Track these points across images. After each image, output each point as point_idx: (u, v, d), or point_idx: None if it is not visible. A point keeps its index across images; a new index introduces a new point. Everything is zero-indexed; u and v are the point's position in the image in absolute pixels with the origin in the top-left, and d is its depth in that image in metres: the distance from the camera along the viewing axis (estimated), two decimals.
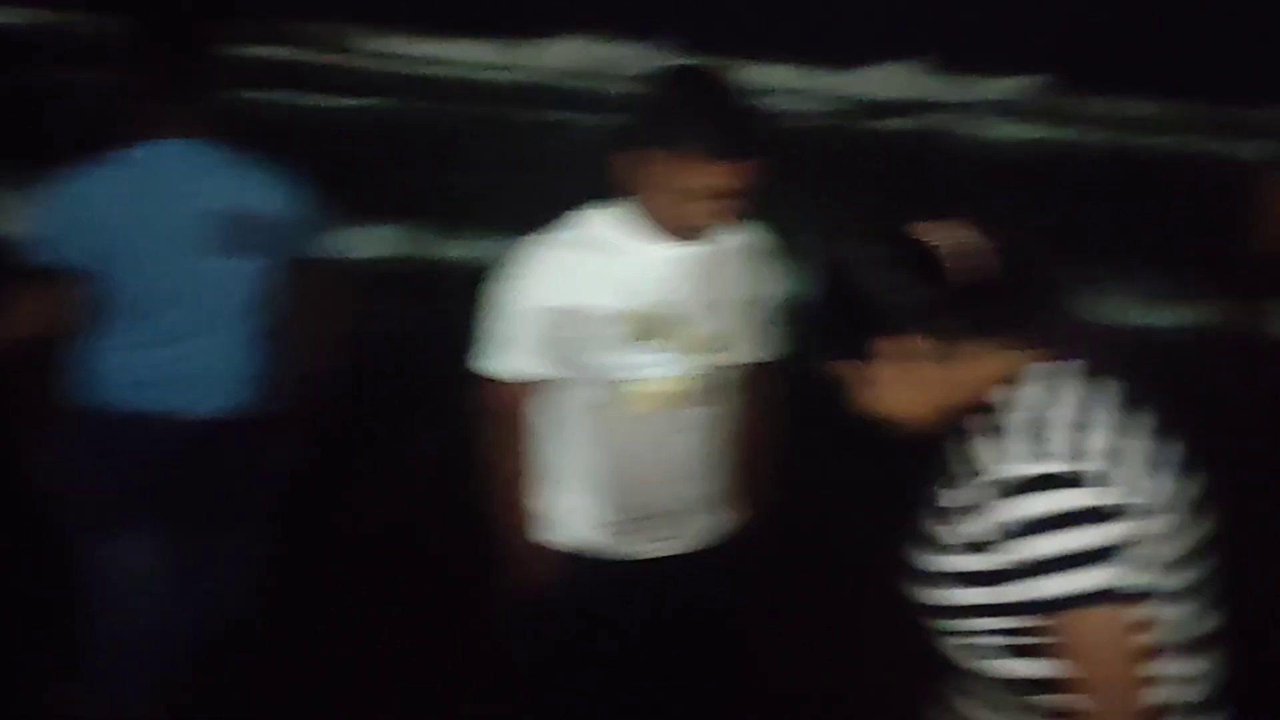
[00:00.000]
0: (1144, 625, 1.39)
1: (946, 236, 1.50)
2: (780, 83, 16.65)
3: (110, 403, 2.42)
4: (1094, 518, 1.37)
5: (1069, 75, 17.70)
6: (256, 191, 2.46)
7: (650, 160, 2.02)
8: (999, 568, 1.43)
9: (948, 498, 1.56)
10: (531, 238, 2.19)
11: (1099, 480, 1.39)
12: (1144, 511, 1.40)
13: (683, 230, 2.09)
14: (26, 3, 14.75)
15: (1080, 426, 1.43)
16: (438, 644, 3.46)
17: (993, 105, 17.66)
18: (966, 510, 1.49)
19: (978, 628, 1.51)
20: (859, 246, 1.56)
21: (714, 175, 1.98)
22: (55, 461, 2.46)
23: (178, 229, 2.37)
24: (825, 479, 4.34)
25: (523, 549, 2.29)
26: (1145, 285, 8.04)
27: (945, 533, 1.54)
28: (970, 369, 1.51)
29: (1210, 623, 1.52)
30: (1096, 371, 1.51)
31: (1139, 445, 1.45)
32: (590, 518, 2.27)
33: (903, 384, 1.53)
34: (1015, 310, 1.50)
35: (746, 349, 2.31)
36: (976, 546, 1.47)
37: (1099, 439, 1.42)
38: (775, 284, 2.34)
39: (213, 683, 2.68)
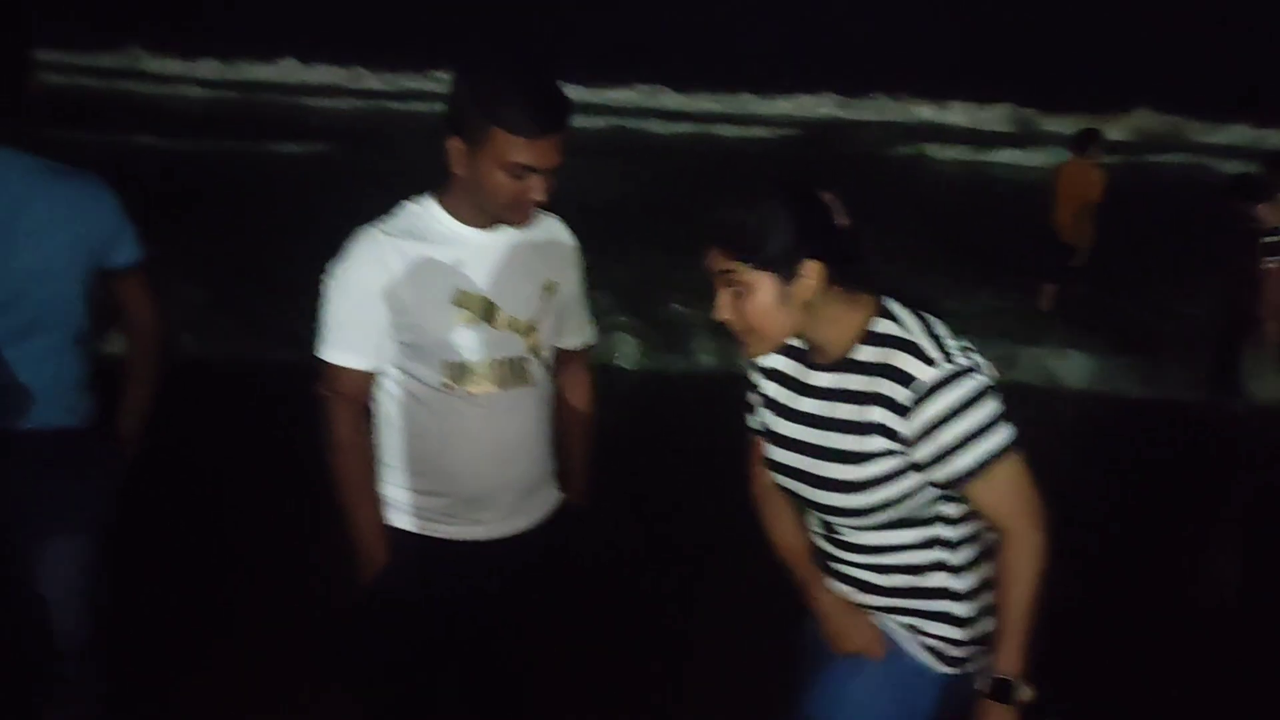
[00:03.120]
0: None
1: (836, 203, 1.87)
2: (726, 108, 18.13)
3: None
4: (988, 393, 1.83)
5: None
6: (65, 199, 2.38)
7: (473, 141, 2.09)
8: (923, 457, 1.84)
9: (833, 423, 1.92)
10: (362, 229, 2.26)
11: (978, 366, 1.85)
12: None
13: (501, 211, 2.17)
14: None
15: (942, 335, 1.87)
16: (286, 633, 3.57)
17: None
18: (864, 426, 1.87)
19: (886, 517, 1.93)
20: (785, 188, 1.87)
21: (531, 150, 2.07)
22: None
23: None
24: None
25: (367, 533, 2.33)
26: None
27: (841, 448, 1.91)
28: (832, 309, 1.88)
29: None
30: (906, 300, 1.95)
31: (968, 343, 1.90)
32: (424, 501, 2.32)
33: (778, 303, 1.85)
34: (868, 267, 1.90)
35: (562, 333, 2.42)
36: (888, 452, 1.86)
37: (956, 341, 1.87)
38: (579, 274, 2.45)
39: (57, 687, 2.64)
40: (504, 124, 2.05)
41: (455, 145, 2.13)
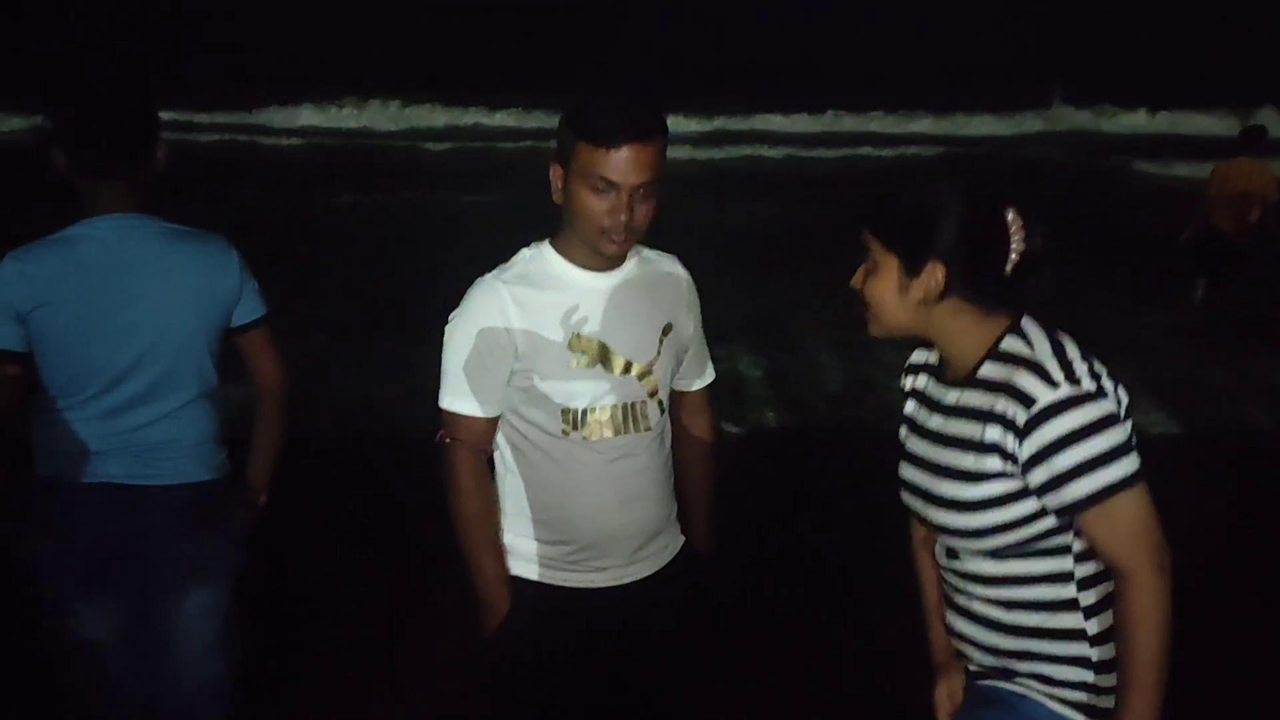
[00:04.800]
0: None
1: (1019, 224, 1.77)
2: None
3: (69, 475, 2.44)
4: (1112, 421, 1.73)
5: None
6: (192, 262, 2.47)
7: (565, 162, 2.10)
8: (1037, 482, 1.74)
9: (952, 440, 1.84)
10: (479, 278, 2.26)
11: (1105, 393, 1.75)
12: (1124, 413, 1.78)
13: (592, 237, 2.13)
14: None
15: (1072, 358, 1.76)
16: (413, 684, 3.54)
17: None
18: (981, 445, 1.78)
19: (1003, 542, 1.82)
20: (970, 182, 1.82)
21: (610, 161, 2.04)
22: (15, 536, 2.48)
23: (122, 302, 2.39)
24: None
25: (490, 581, 2.30)
26: None
27: (957, 466, 1.83)
28: (962, 320, 1.82)
29: None
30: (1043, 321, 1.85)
31: (1101, 368, 1.79)
32: (545, 549, 2.29)
33: (896, 292, 1.82)
34: (1013, 290, 1.80)
35: (681, 375, 2.38)
36: (1002, 474, 1.77)
37: (1086, 365, 1.76)
38: (695, 313, 2.40)
39: None
40: (584, 134, 2.06)
41: (555, 172, 2.15)
